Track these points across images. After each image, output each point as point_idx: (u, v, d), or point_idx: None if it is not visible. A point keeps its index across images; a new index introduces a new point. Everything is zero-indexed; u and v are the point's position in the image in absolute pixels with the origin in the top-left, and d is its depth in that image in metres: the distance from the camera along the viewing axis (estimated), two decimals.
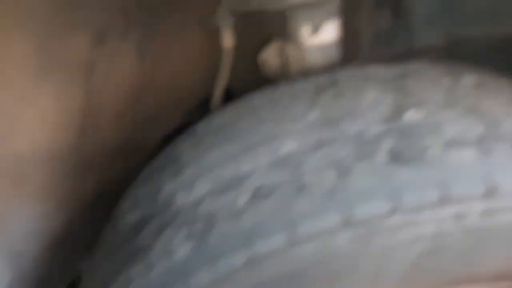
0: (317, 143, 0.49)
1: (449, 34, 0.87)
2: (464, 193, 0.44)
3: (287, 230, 0.44)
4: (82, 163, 0.78)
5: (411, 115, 0.49)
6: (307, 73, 0.73)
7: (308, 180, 0.46)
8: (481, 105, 0.51)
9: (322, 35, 0.71)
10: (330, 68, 0.73)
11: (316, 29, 0.70)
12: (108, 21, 0.73)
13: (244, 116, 0.59)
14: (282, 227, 0.44)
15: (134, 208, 0.59)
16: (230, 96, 0.92)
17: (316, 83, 0.60)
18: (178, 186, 0.54)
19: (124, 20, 0.75)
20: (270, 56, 0.75)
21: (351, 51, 0.94)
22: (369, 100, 0.53)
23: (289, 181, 0.47)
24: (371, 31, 0.91)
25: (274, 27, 0.76)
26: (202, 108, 0.90)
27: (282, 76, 0.77)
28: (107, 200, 0.70)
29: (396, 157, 0.45)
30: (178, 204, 0.51)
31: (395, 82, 0.57)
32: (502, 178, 0.44)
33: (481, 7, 0.85)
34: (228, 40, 0.78)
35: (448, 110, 0.51)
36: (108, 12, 0.72)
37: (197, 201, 0.50)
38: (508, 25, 0.85)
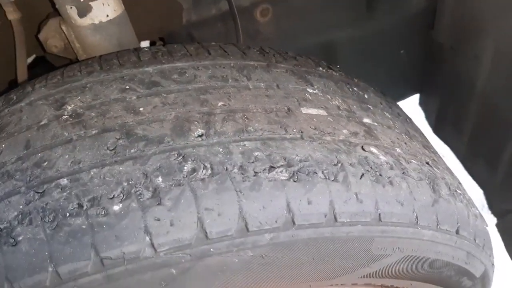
0: None
1: None
2: None
3: None
4: None
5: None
6: (91, 52, 0.71)
7: None
8: None
9: (94, 14, 0.68)
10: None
11: (84, 10, 0.67)
12: None
13: None
14: None
15: None
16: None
17: None
18: None
19: None
20: (49, 34, 0.73)
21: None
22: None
23: None
24: None
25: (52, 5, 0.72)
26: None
27: (67, 54, 0.75)
28: None
29: None
30: None
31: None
32: None
33: None
34: (11, 13, 0.75)
35: None
36: None
37: None
38: None
